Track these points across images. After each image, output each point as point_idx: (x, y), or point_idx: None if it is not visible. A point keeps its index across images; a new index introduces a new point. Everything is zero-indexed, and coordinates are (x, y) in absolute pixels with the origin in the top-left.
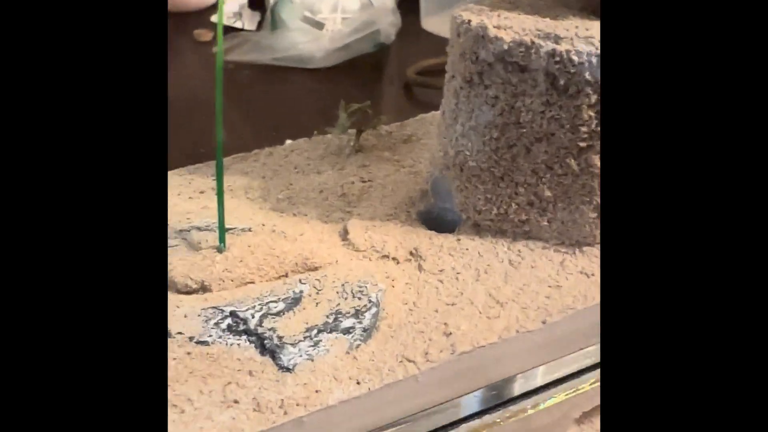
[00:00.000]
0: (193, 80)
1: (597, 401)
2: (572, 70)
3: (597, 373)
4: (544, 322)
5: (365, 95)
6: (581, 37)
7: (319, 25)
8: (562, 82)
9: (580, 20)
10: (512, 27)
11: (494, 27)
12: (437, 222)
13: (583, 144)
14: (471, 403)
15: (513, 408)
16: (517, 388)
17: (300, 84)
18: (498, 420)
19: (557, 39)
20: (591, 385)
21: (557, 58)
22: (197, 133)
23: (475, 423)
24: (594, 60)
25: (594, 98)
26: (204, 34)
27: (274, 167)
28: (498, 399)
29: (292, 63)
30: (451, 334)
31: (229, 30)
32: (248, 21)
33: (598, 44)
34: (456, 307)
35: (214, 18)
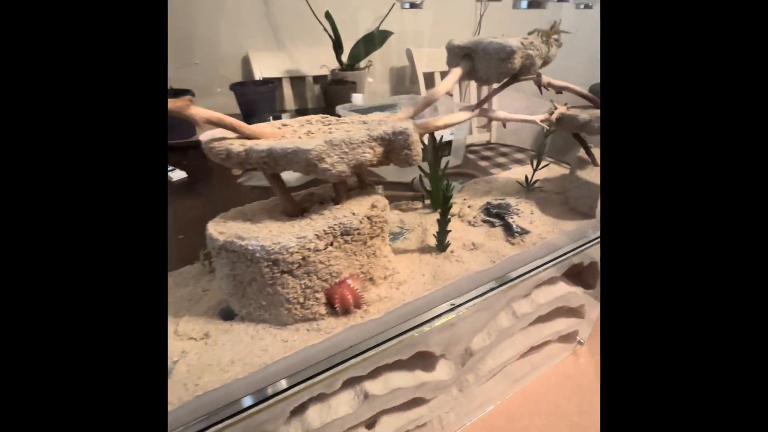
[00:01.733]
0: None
1: None
2: (251, 252)
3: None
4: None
5: None
6: (254, 237)
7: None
8: (248, 257)
9: (270, 223)
10: (226, 232)
11: (219, 233)
12: (225, 315)
13: (271, 281)
14: None
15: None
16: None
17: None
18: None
19: (243, 238)
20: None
21: (244, 247)
22: None
23: None
24: (259, 247)
25: (265, 263)
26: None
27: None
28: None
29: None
30: (198, 385)
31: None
32: None
33: (264, 242)
34: (216, 365)
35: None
